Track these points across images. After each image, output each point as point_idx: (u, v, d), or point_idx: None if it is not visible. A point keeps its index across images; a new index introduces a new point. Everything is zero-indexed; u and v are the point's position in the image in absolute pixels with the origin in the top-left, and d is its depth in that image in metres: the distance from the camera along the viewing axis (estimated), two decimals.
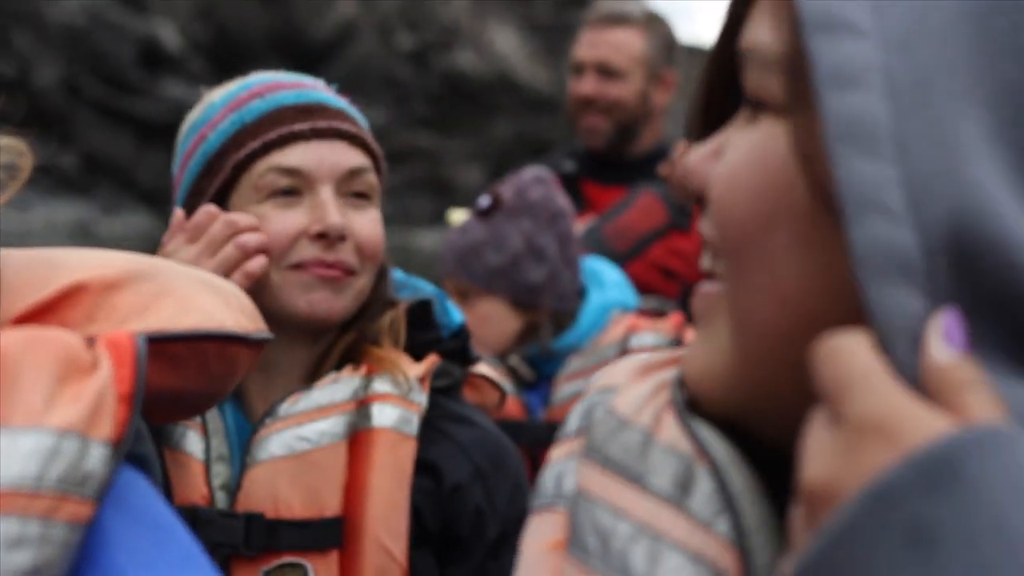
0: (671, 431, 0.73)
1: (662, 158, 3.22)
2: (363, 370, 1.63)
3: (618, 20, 3.21)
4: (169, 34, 34.31)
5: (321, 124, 1.64)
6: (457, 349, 1.73)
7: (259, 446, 1.59)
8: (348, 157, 1.65)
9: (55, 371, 0.69)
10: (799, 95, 0.62)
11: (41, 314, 0.72)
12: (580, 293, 2.51)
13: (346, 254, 1.63)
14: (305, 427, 1.58)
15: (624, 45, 3.19)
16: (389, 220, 1.71)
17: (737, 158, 0.66)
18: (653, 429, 0.73)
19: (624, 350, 2.42)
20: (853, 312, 0.60)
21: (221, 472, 1.61)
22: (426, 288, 1.76)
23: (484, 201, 2.47)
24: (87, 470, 0.70)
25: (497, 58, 38.24)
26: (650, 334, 2.46)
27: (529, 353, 2.47)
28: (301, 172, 1.62)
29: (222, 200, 1.64)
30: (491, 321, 2.45)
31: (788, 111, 0.63)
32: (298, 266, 1.62)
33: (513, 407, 2.45)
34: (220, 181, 1.63)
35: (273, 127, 1.63)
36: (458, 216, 2.54)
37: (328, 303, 1.62)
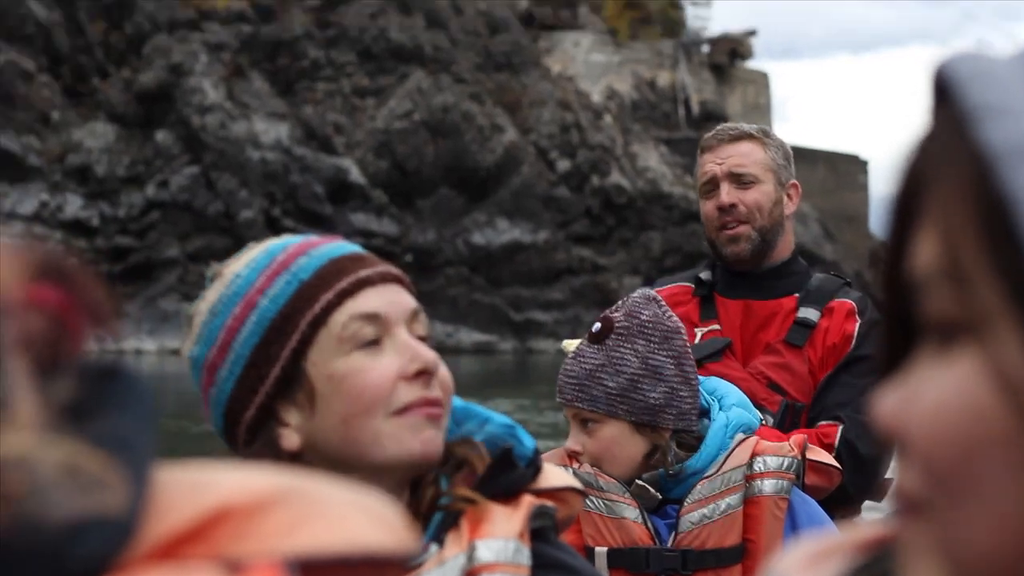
0: None
1: (793, 269, 3.09)
2: (464, 536, 1.45)
3: (736, 136, 3.11)
4: (353, 170, 35.35)
5: (380, 268, 1.51)
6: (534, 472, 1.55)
7: None
8: (407, 298, 1.52)
9: None
10: (975, 304, 0.58)
11: (187, 540, 0.64)
12: (702, 413, 2.31)
13: (438, 390, 1.48)
14: None
15: (750, 154, 3.07)
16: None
17: (935, 396, 0.60)
18: None
19: (749, 474, 2.24)
20: None
21: None
22: (493, 420, 1.57)
23: (595, 327, 2.31)
24: None
25: (645, 175, 38.50)
26: (774, 458, 2.27)
27: (655, 477, 2.27)
28: (380, 316, 1.48)
29: (294, 362, 1.48)
30: (615, 446, 2.26)
31: (970, 327, 0.58)
32: (404, 410, 1.46)
33: (640, 532, 2.26)
34: (295, 342, 1.47)
35: (339, 277, 1.49)
36: (571, 345, 2.37)
37: (436, 442, 1.46)
